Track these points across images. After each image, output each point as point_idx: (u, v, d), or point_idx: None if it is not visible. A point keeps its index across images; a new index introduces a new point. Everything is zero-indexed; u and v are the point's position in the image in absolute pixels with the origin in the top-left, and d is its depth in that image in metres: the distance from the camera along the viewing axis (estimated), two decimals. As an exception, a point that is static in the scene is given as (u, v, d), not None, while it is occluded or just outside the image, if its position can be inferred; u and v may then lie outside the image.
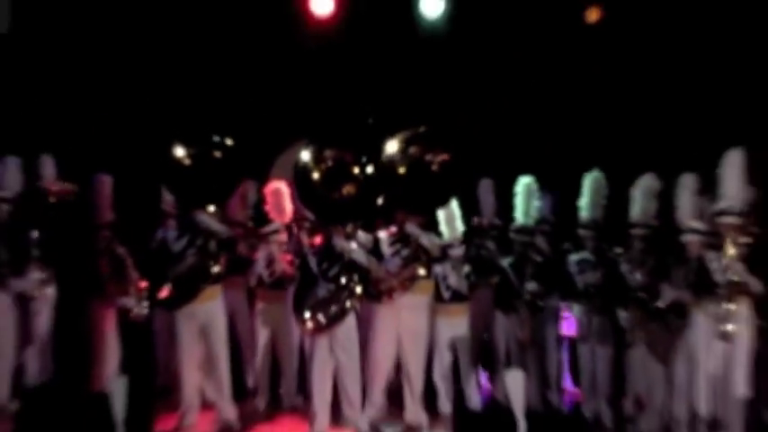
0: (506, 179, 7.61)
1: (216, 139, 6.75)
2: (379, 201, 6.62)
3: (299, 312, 6.29)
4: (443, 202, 6.82)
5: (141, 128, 8.38)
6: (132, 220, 7.26)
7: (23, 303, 6.93)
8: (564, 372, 7.65)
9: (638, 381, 6.75)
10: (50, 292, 7.06)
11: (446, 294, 7.02)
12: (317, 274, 6.34)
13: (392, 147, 6.67)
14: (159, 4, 8.88)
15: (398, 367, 6.82)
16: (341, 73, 9.27)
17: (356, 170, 6.43)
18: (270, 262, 7.05)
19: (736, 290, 5.94)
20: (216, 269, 6.60)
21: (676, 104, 8.63)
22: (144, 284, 6.85)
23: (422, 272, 6.59)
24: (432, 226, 6.92)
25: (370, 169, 6.48)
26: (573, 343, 7.45)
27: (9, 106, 8.56)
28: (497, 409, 6.77)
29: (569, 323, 7.50)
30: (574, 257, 7.14)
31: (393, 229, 6.71)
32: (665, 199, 6.67)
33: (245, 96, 9.06)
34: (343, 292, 6.27)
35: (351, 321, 6.39)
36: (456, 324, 7.05)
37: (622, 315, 6.66)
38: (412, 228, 6.67)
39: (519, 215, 7.42)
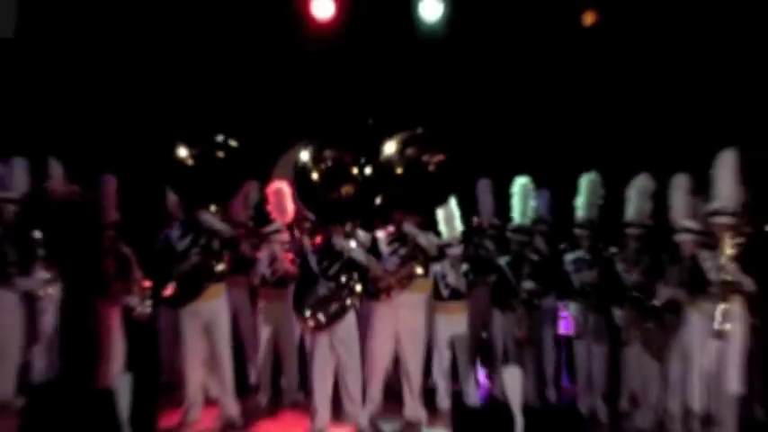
0: (504, 179, 7.61)
1: (219, 139, 6.76)
2: (377, 201, 6.61)
3: (299, 310, 6.29)
4: (440, 202, 6.82)
5: (145, 129, 8.39)
6: (137, 220, 7.27)
7: (29, 302, 6.94)
8: (561, 369, 7.66)
9: (634, 377, 6.76)
10: (56, 291, 7.07)
11: (445, 292, 7.03)
12: (317, 273, 6.33)
13: (390, 148, 6.67)
14: (163, 8, 8.88)
15: (397, 364, 6.82)
16: (341, 75, 9.28)
17: (355, 170, 6.42)
18: (272, 261, 7.06)
19: (729, 289, 5.94)
20: (219, 268, 6.60)
21: (670, 106, 8.65)
22: (147, 284, 6.85)
23: (419, 270, 6.58)
24: (431, 225, 6.92)
25: (368, 170, 6.47)
26: (570, 341, 7.45)
27: (16, 109, 8.57)
28: (495, 406, 6.77)
29: (567, 322, 7.50)
30: (570, 256, 7.15)
31: (391, 228, 6.71)
32: (660, 199, 6.68)
33: (248, 98, 9.07)
34: (343, 291, 6.27)
35: (351, 319, 6.39)
36: (455, 322, 7.06)
37: (618, 313, 6.67)
38: (409, 227, 6.67)
39: (516, 215, 7.44)
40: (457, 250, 6.97)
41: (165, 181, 6.98)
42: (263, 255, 7.06)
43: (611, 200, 7.08)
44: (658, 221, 6.71)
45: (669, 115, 8.60)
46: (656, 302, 6.37)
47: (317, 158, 6.38)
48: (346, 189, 6.37)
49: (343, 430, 6.43)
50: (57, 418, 5.42)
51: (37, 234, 7.00)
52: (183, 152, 6.62)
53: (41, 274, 6.97)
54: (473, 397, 7.07)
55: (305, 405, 6.73)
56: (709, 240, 6.22)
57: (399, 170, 6.60)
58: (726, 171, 6.16)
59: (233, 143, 6.72)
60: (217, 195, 6.74)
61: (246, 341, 7.43)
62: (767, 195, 6.34)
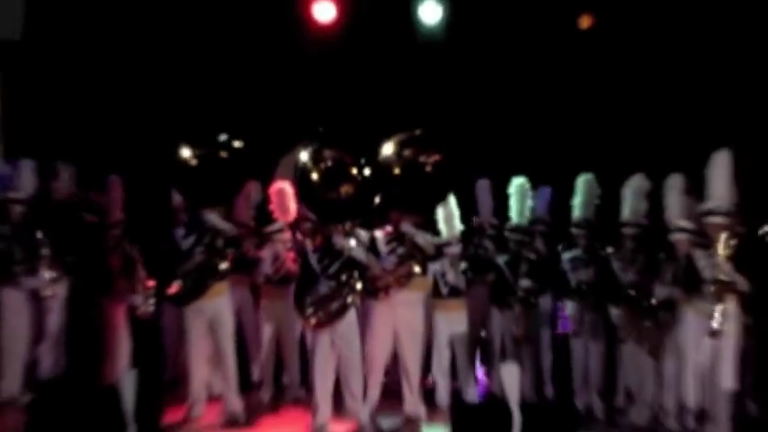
0: (503, 180, 7.62)
1: (221, 140, 6.77)
2: (376, 200, 6.62)
3: (301, 309, 6.29)
4: (437, 201, 6.84)
5: (150, 130, 8.39)
6: (143, 219, 7.28)
7: (36, 301, 6.95)
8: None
9: (629, 375, 6.79)
10: (61, 290, 7.07)
11: (444, 290, 7.04)
12: (317, 272, 6.33)
13: (388, 148, 6.69)
14: (168, 12, 8.89)
15: (396, 362, 6.83)
16: (342, 77, 9.29)
17: (354, 171, 6.42)
18: (275, 260, 7.07)
19: (724, 289, 5.94)
20: (223, 266, 6.62)
21: (665, 107, 8.65)
22: (151, 283, 6.86)
23: (417, 269, 6.60)
24: (431, 225, 6.93)
25: (367, 170, 6.48)
26: (566, 339, 7.44)
27: (22, 111, 8.58)
28: (493, 402, 6.77)
29: (566, 322, 7.49)
30: (567, 255, 7.16)
31: (389, 228, 6.73)
32: (655, 199, 6.68)
33: (250, 99, 9.08)
34: (343, 289, 6.27)
35: (352, 316, 6.39)
36: (454, 319, 7.07)
37: (614, 312, 6.68)
38: (407, 227, 6.68)
39: (513, 215, 7.45)
40: (456, 249, 6.97)
41: (170, 181, 6.99)
42: (266, 254, 7.07)
43: (608, 200, 7.08)
44: (653, 221, 6.72)
45: (664, 116, 8.60)
46: (654, 301, 6.37)
47: (316, 158, 6.38)
48: (346, 189, 6.37)
49: (343, 426, 6.43)
50: (63, 414, 5.42)
51: (42, 234, 7.02)
52: (186, 153, 6.63)
53: (47, 273, 6.97)
54: (471, 393, 7.07)
55: (306, 401, 6.74)
56: (704, 240, 6.23)
57: (397, 171, 6.62)
58: (719, 171, 6.16)
59: (237, 143, 6.73)
60: (220, 195, 6.76)
61: (249, 339, 7.43)
62: (760, 196, 6.35)
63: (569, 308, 7.06)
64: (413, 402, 6.72)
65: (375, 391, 6.63)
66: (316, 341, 6.30)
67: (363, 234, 6.63)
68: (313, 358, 6.37)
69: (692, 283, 6.19)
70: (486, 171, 7.82)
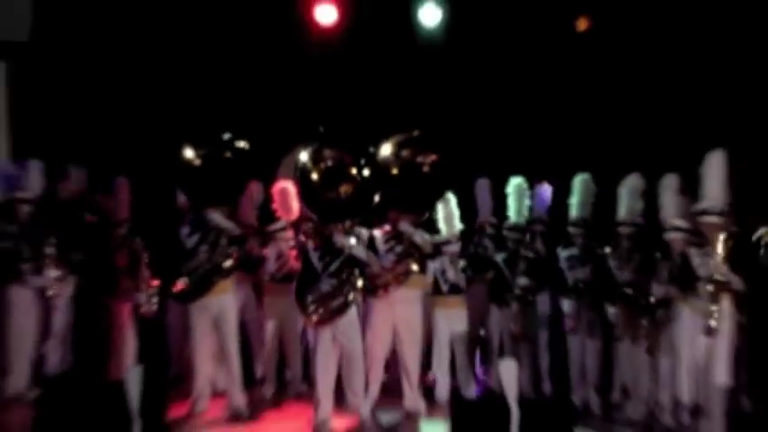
0: (502, 179, 7.62)
1: (224, 140, 6.78)
2: (376, 199, 6.62)
3: (302, 306, 6.29)
4: (434, 201, 6.86)
5: (156, 131, 8.40)
6: (149, 219, 7.29)
7: (43, 299, 6.96)
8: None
9: (625, 371, 6.79)
10: (67, 288, 7.08)
11: (444, 287, 7.04)
12: (318, 270, 6.33)
13: (386, 149, 6.71)
14: (173, 15, 8.90)
15: (395, 360, 6.84)
16: (343, 78, 9.29)
17: (354, 171, 6.42)
18: (278, 258, 7.08)
19: (720, 288, 5.95)
20: (227, 264, 6.62)
21: (660, 108, 8.64)
22: (155, 283, 6.87)
23: (415, 267, 6.62)
24: (431, 224, 6.95)
25: (366, 169, 6.48)
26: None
27: (30, 112, 8.59)
28: (492, 397, 6.77)
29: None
30: (564, 254, 7.16)
31: (387, 227, 6.74)
32: (650, 198, 6.68)
33: (253, 101, 9.08)
34: (344, 287, 6.27)
35: (353, 313, 6.39)
36: (453, 315, 7.08)
37: (611, 311, 6.69)
38: (405, 226, 6.71)
39: (511, 214, 7.45)
40: (455, 247, 6.99)
41: (175, 181, 6.99)
42: (270, 252, 7.08)
43: (604, 199, 7.08)
44: (649, 220, 6.72)
45: (659, 117, 8.59)
46: (652, 300, 6.37)
47: (316, 158, 6.38)
48: (345, 188, 6.37)
49: (345, 421, 6.43)
50: (69, 409, 5.42)
51: (49, 233, 7.03)
52: (189, 153, 6.64)
53: (53, 272, 6.98)
54: (470, 389, 7.07)
55: (308, 396, 6.74)
56: (698, 239, 6.24)
57: (395, 171, 6.64)
58: (714, 171, 6.17)
59: (240, 143, 6.74)
60: (223, 195, 6.77)
61: (252, 336, 7.43)
62: (754, 196, 6.36)
63: (566, 306, 7.05)
64: (412, 398, 6.74)
65: (375, 387, 6.65)
66: (317, 338, 6.31)
67: (364, 232, 6.63)
68: (315, 354, 6.37)
69: (687, 281, 6.19)
70: (485, 171, 7.82)
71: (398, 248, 6.62)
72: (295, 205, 6.91)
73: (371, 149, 6.71)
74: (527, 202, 7.46)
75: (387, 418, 6.66)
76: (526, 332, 7.23)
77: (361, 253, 6.38)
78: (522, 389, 6.26)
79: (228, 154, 6.80)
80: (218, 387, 6.86)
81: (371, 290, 6.49)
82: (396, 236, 6.68)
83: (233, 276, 6.74)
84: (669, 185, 6.52)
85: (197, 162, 6.69)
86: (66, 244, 7.08)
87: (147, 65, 8.99)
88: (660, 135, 8.41)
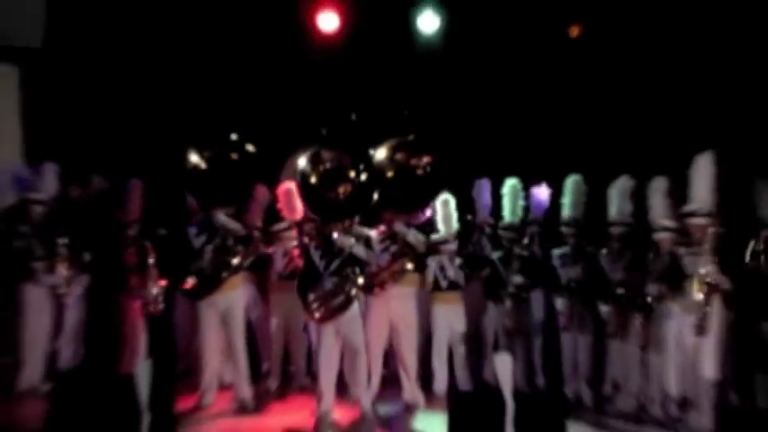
0: (497, 181, 7.63)
1: (231, 141, 6.80)
2: (374, 198, 6.63)
3: (305, 304, 6.29)
4: (427, 202, 6.88)
5: (165, 135, 8.40)
6: (158, 219, 7.30)
7: (55, 296, 6.97)
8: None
9: (616, 366, 6.80)
10: (79, 286, 7.09)
11: (443, 283, 7.05)
12: (320, 269, 6.33)
13: (381, 153, 6.74)
14: (182, 24, 8.92)
15: (394, 355, 6.87)
16: (345, 83, 9.30)
17: (352, 172, 6.42)
18: (284, 256, 7.10)
19: (711, 290, 5.97)
20: (234, 261, 6.64)
21: (650, 112, 8.64)
22: (163, 282, 6.88)
23: (409, 266, 6.65)
24: (431, 224, 7.00)
25: (364, 171, 6.48)
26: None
27: (42, 116, 8.60)
28: (487, 390, 6.78)
29: None
30: (557, 252, 7.16)
31: (382, 227, 6.77)
32: (639, 199, 6.70)
33: (258, 105, 9.09)
34: (345, 284, 6.27)
35: (355, 309, 6.38)
36: (451, 310, 7.09)
37: (603, 309, 6.70)
38: (400, 226, 6.76)
39: (506, 214, 7.46)
40: (452, 246, 7.01)
41: (183, 183, 7.01)
42: (277, 252, 7.09)
43: (595, 200, 7.08)
44: (638, 220, 6.73)
45: (648, 120, 8.60)
46: (649, 299, 6.38)
47: (315, 161, 6.38)
48: (344, 189, 6.36)
49: (346, 412, 6.44)
50: (81, 402, 5.43)
51: (61, 233, 7.04)
52: (196, 157, 6.66)
53: (65, 270, 6.99)
54: (467, 382, 7.08)
55: (311, 389, 6.75)
56: (686, 239, 6.27)
57: (390, 173, 6.66)
58: (702, 174, 6.18)
59: (246, 146, 6.76)
60: (229, 196, 6.78)
61: (258, 331, 7.44)
62: (741, 198, 6.37)
63: (559, 304, 7.06)
64: (411, 390, 6.76)
65: (375, 380, 6.67)
66: (321, 333, 6.31)
67: (365, 231, 6.64)
68: (318, 349, 6.38)
69: (676, 279, 6.22)
70: (482, 173, 7.82)
71: (393, 248, 6.67)
72: (299, 205, 6.91)
73: (369, 152, 6.74)
74: (521, 202, 7.46)
75: (387, 409, 6.67)
76: (520, 328, 7.24)
77: (361, 252, 6.39)
78: (516, 382, 6.29)
79: (234, 156, 6.82)
80: (224, 380, 6.87)
81: (369, 287, 6.50)
82: (391, 236, 6.73)
83: (240, 274, 6.76)
84: (658, 188, 6.54)
85: (204, 164, 6.70)
86: (78, 243, 7.09)
87: (155, 70, 9.00)
88: (649, 138, 8.42)
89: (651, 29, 8.63)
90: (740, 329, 6.23)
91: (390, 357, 6.95)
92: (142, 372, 5.31)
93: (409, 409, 6.72)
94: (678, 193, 6.35)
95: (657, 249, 6.46)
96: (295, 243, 7.04)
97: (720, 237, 6.05)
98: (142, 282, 6.92)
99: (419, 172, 6.81)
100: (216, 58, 9.02)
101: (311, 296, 6.22)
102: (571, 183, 7.22)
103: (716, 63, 8.31)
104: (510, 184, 7.45)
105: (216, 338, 6.64)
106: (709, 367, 6.07)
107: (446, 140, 8.29)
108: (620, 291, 6.63)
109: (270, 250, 7.06)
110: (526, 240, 7.36)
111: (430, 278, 7.00)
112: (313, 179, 6.33)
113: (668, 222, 6.41)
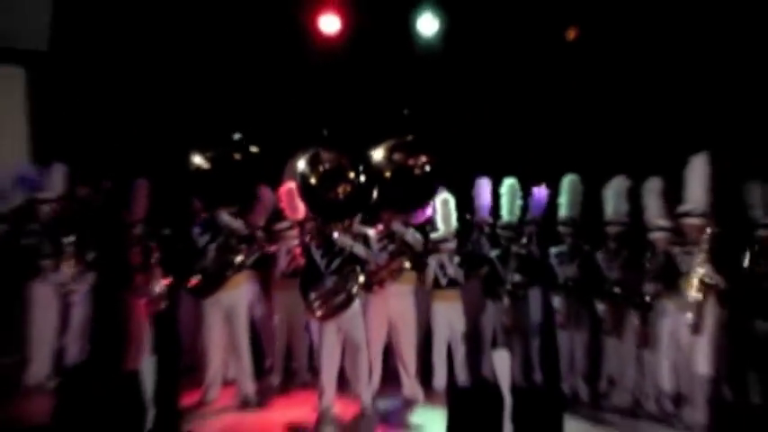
0: (495, 180, 7.63)
1: (233, 141, 6.80)
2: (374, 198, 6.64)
3: (307, 302, 6.29)
4: (424, 202, 6.89)
5: (168, 135, 8.41)
6: (163, 219, 7.32)
7: (62, 294, 6.98)
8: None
9: (611, 363, 6.81)
10: (85, 284, 7.10)
11: (443, 281, 7.06)
12: (321, 268, 6.33)
13: (378, 153, 6.76)
14: (186, 27, 8.93)
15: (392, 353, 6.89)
16: (346, 84, 9.30)
17: (351, 172, 6.42)
18: (287, 254, 7.11)
19: (706, 289, 5.98)
20: (238, 259, 6.65)
21: (645, 113, 8.64)
22: (166, 281, 6.89)
23: (407, 264, 6.66)
24: (431, 223, 7.03)
25: (363, 171, 6.48)
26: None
27: (49, 117, 8.61)
28: (486, 386, 6.79)
29: None
30: (554, 251, 7.17)
31: (380, 227, 6.79)
32: (635, 199, 6.70)
33: (260, 106, 9.10)
34: (347, 283, 6.27)
35: (356, 306, 6.37)
36: (450, 308, 7.09)
37: (600, 307, 6.71)
38: (397, 226, 6.78)
39: (504, 213, 7.46)
40: (451, 245, 7.02)
41: (186, 184, 7.02)
42: (281, 250, 7.10)
43: (594, 199, 7.09)
44: (634, 220, 6.74)
45: (644, 121, 8.60)
46: (647, 299, 6.40)
47: (314, 162, 6.38)
48: (343, 189, 6.36)
49: (348, 407, 6.45)
50: (87, 398, 5.44)
51: (68, 232, 7.05)
52: (199, 158, 6.67)
53: (71, 268, 7.00)
54: (466, 378, 7.09)
55: (313, 385, 6.75)
56: (681, 238, 6.28)
57: (387, 174, 6.67)
58: (697, 174, 6.19)
59: (252, 148, 6.78)
60: (232, 196, 6.79)
61: (261, 328, 7.45)
62: (735, 198, 6.38)
63: (557, 302, 7.07)
64: (411, 386, 6.78)
65: (376, 376, 6.69)
66: (323, 330, 6.31)
67: (366, 230, 6.64)
68: (319, 346, 6.39)
69: (671, 278, 6.23)
70: (480, 172, 7.82)
71: (391, 247, 6.70)
72: (301, 205, 6.92)
73: (367, 152, 6.75)
74: (519, 201, 7.46)
75: (387, 404, 6.68)
76: (518, 325, 7.25)
77: (361, 251, 6.39)
78: (514, 378, 6.31)
79: (237, 156, 6.83)
80: (228, 376, 6.88)
81: (368, 286, 6.51)
82: (388, 235, 6.75)
83: (244, 272, 6.77)
84: (652, 188, 6.55)
85: (207, 165, 6.71)
86: (84, 242, 7.10)
87: (159, 72, 9.02)
88: (645, 139, 8.42)
89: (646, 32, 8.63)
90: (734, 327, 6.25)
91: (390, 354, 6.96)
92: (147, 368, 5.33)
93: (409, 405, 6.73)
94: (672, 194, 6.36)
95: (653, 248, 6.47)
96: (297, 242, 7.05)
97: (716, 237, 6.05)
98: (147, 280, 6.94)
99: (416, 172, 6.83)
100: (220, 60, 9.04)
101: (313, 295, 6.22)
102: (568, 182, 7.23)
103: (711, 65, 8.31)
104: (508, 184, 7.46)
105: (220, 335, 6.66)
106: (704, 363, 6.08)
107: (445, 141, 8.31)
108: (616, 289, 6.65)
109: (272, 249, 7.07)
110: (524, 239, 7.37)
111: (431, 276, 7.00)
112: (313, 180, 6.33)
113: (663, 222, 6.42)
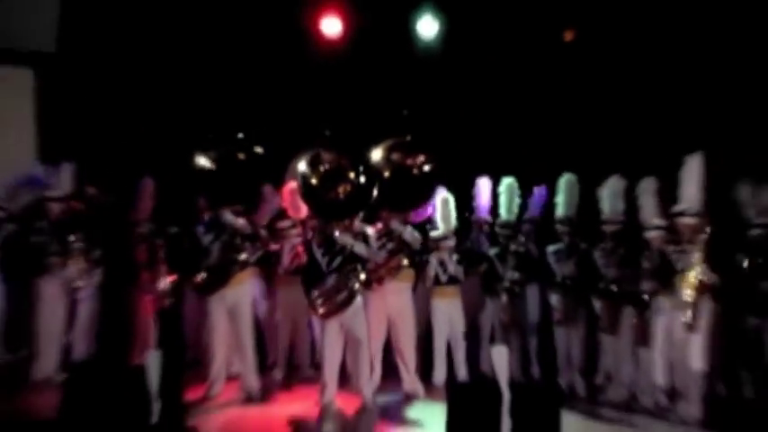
0: (494, 180, 7.64)
1: (237, 140, 6.81)
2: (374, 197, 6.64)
3: (310, 299, 6.30)
4: (422, 201, 6.89)
5: (174, 136, 8.42)
6: (168, 217, 7.33)
7: (69, 290, 6.99)
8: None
9: (608, 358, 6.83)
10: (92, 280, 7.11)
11: (443, 278, 7.07)
12: (322, 266, 6.33)
13: (377, 153, 6.78)
14: (193, 31, 8.94)
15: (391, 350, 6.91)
16: (348, 85, 9.31)
17: (351, 172, 6.42)
18: (290, 252, 7.11)
19: (701, 288, 5.99)
20: (242, 257, 6.65)
21: (641, 113, 8.64)
22: (171, 278, 6.89)
23: (405, 262, 6.67)
24: (431, 221, 7.05)
25: (363, 171, 6.48)
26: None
27: (56, 117, 8.61)
28: (485, 381, 6.80)
29: None
30: (551, 249, 7.18)
31: (379, 225, 6.79)
32: (630, 198, 6.71)
33: (264, 107, 9.11)
34: (348, 281, 6.27)
35: (358, 303, 6.38)
36: (450, 304, 7.11)
37: (597, 304, 6.72)
38: (396, 224, 6.78)
39: (502, 212, 7.46)
40: (451, 242, 7.04)
41: (191, 183, 7.02)
42: (285, 248, 7.10)
43: (590, 198, 7.09)
44: (629, 219, 6.75)
45: (639, 122, 8.60)
46: (646, 297, 6.40)
47: (314, 163, 6.38)
48: (343, 188, 6.36)
49: (349, 402, 6.46)
50: (94, 392, 5.45)
51: (76, 229, 7.06)
52: (204, 158, 6.68)
53: (79, 265, 7.01)
54: (465, 373, 7.10)
55: (315, 380, 6.76)
56: (675, 236, 6.29)
57: (386, 173, 6.68)
58: (692, 174, 6.20)
59: (256, 148, 6.78)
60: (236, 195, 6.80)
61: (264, 324, 7.46)
62: (729, 198, 6.39)
63: (554, 299, 7.08)
64: (411, 381, 6.79)
65: (376, 372, 6.71)
66: (325, 327, 6.32)
67: (366, 229, 6.65)
68: (322, 342, 6.40)
69: (666, 275, 6.24)
70: (479, 172, 7.83)
71: (390, 245, 6.70)
72: (303, 204, 6.92)
73: (366, 153, 6.76)
74: (517, 200, 7.47)
75: (387, 398, 6.69)
76: (516, 321, 7.25)
77: (361, 250, 6.39)
78: (512, 373, 6.31)
79: (241, 156, 6.83)
80: (232, 371, 6.89)
81: (367, 283, 6.52)
82: (387, 233, 6.75)
83: (248, 270, 6.78)
84: (647, 188, 6.56)
85: (211, 164, 6.72)
86: (92, 240, 7.11)
87: (164, 74, 9.02)
88: (640, 139, 8.42)
89: (642, 33, 8.63)
90: (728, 324, 6.26)
91: (390, 350, 6.96)
92: (152, 363, 5.33)
93: (409, 399, 6.74)
94: (667, 193, 6.37)
95: (648, 247, 6.49)
96: (299, 240, 7.06)
97: (709, 235, 6.06)
98: (152, 277, 6.96)
99: (414, 172, 6.83)
100: (225, 62, 9.05)
101: (315, 292, 6.23)
102: (565, 182, 7.23)
103: (705, 67, 8.31)
104: (506, 183, 7.46)
105: (224, 332, 6.67)
106: (698, 359, 6.09)
107: (445, 141, 8.31)
108: (612, 287, 6.66)
109: (276, 247, 7.07)
110: (522, 237, 7.37)
111: (431, 273, 7.01)
112: (313, 180, 6.33)
113: (658, 221, 6.43)
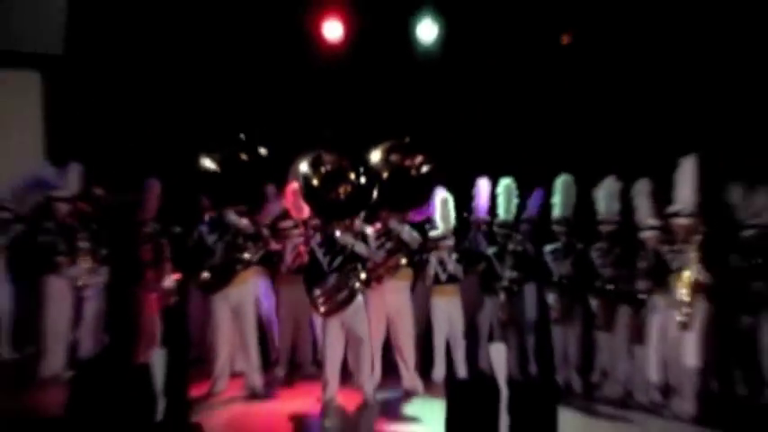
0: (492, 181, 7.64)
1: (241, 144, 6.81)
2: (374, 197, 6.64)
3: (312, 298, 6.30)
4: (421, 202, 6.89)
5: (179, 138, 8.43)
6: (176, 217, 7.34)
7: (76, 288, 6.99)
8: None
9: (604, 356, 6.83)
10: (99, 279, 7.11)
11: (443, 277, 7.08)
12: (324, 265, 6.32)
13: (376, 155, 6.78)
14: (199, 35, 8.95)
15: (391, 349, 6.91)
16: (349, 88, 9.31)
17: (352, 173, 6.42)
18: (292, 251, 7.12)
19: (696, 288, 5.99)
20: (245, 256, 6.66)
21: (636, 115, 8.66)
22: (176, 277, 6.89)
23: (404, 261, 6.67)
24: (430, 221, 7.05)
25: (364, 172, 6.48)
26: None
27: (63, 119, 8.62)
28: (483, 378, 6.80)
29: None
30: (548, 248, 7.18)
31: (378, 225, 6.79)
32: (626, 199, 6.71)
33: (267, 109, 9.11)
34: (349, 280, 6.27)
35: (360, 301, 6.37)
36: (449, 302, 7.11)
37: (593, 303, 6.73)
38: (394, 224, 6.78)
39: (500, 212, 7.47)
40: (450, 242, 7.04)
41: (195, 183, 7.03)
42: (286, 247, 7.10)
43: (587, 199, 7.09)
44: (625, 219, 6.75)
45: (635, 124, 8.61)
46: (644, 297, 6.41)
47: (316, 164, 6.38)
48: (344, 189, 6.36)
49: (351, 398, 6.46)
50: (100, 389, 5.45)
51: (83, 229, 7.07)
52: (208, 159, 6.68)
53: (85, 264, 7.01)
54: (464, 370, 7.10)
55: (317, 377, 6.76)
56: (670, 236, 6.29)
57: (385, 174, 6.69)
58: (686, 176, 6.21)
59: (259, 149, 6.79)
60: (239, 196, 6.80)
61: (267, 322, 7.46)
62: (722, 200, 6.39)
63: (551, 298, 7.08)
64: (410, 378, 6.79)
65: (377, 369, 6.70)
66: (326, 325, 6.32)
67: (365, 228, 6.64)
68: (323, 340, 6.40)
69: (660, 275, 6.24)
70: (478, 173, 7.83)
71: (388, 244, 6.69)
72: (306, 205, 6.92)
73: (365, 154, 6.76)
74: (515, 200, 7.47)
75: (387, 395, 6.69)
76: (514, 319, 7.26)
77: (362, 249, 6.39)
78: (510, 370, 6.31)
79: (245, 157, 6.83)
80: (235, 369, 6.89)
81: (367, 282, 6.52)
82: (386, 233, 6.75)
83: (251, 269, 6.78)
84: (642, 189, 6.57)
85: (215, 165, 6.72)
86: (98, 239, 7.11)
87: (170, 77, 9.04)
88: (636, 141, 8.43)
89: (637, 37, 8.64)
90: (721, 322, 6.28)
91: (390, 348, 6.97)
92: (158, 360, 5.33)
93: (409, 396, 6.74)
94: (662, 194, 6.37)
95: (643, 247, 6.49)
96: (302, 239, 7.06)
97: (704, 236, 6.06)
98: (158, 276, 6.96)
99: (412, 172, 6.84)
100: (229, 65, 9.07)
101: (317, 291, 6.23)
102: (562, 183, 7.23)
103: (700, 70, 8.32)
104: (504, 184, 7.47)
105: (228, 330, 6.67)
106: (692, 356, 6.10)
107: (444, 142, 8.32)
108: (608, 286, 6.67)
109: (278, 247, 7.07)
110: (520, 237, 7.38)
111: (431, 272, 7.02)
112: (315, 181, 6.33)
113: (653, 221, 6.44)
